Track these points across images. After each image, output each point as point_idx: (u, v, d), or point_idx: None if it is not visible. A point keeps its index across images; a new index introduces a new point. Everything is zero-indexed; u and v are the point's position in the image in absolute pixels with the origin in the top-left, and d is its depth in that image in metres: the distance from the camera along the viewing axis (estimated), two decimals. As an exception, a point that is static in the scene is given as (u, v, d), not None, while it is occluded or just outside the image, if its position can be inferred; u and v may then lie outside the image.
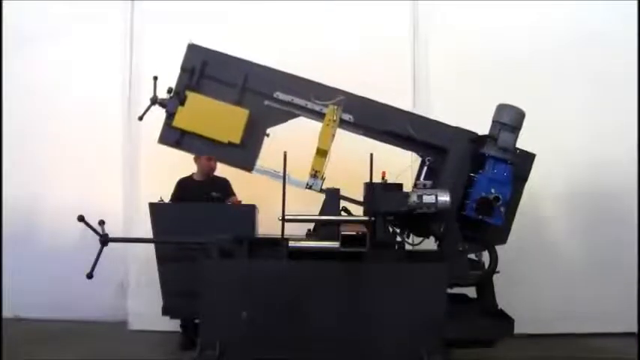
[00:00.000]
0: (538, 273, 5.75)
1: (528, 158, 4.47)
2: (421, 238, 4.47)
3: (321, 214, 4.32)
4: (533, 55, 5.83)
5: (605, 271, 5.79)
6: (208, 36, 5.78)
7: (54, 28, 6.11)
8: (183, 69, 4.37)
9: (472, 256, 4.45)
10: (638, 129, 5.80)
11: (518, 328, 4.29)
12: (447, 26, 5.96)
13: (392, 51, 5.95)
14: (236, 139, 4.29)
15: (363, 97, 4.44)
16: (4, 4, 5.98)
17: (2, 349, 4.80)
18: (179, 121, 4.28)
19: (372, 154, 4.21)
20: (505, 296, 4.51)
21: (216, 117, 4.28)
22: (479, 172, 4.25)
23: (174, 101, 4.28)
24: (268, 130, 4.43)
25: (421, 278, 4.12)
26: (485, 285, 4.44)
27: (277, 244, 4.25)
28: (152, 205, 4.55)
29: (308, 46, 5.78)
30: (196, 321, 4.36)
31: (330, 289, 4.11)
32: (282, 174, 4.24)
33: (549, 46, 5.84)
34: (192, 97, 4.28)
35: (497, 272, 4.44)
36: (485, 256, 4.45)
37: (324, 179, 4.36)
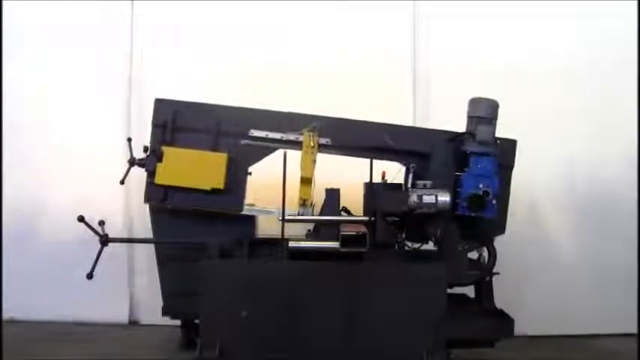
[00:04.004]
0: (538, 273, 5.74)
1: (510, 146, 4.47)
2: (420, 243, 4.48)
3: (321, 214, 4.34)
4: (533, 57, 5.83)
5: (605, 272, 5.77)
6: (209, 37, 5.90)
7: (55, 29, 6.10)
8: (154, 125, 4.37)
9: (473, 255, 4.46)
10: (638, 129, 5.80)
11: (518, 329, 4.29)
12: (447, 33, 5.95)
13: (391, 61, 5.92)
14: (219, 184, 4.29)
15: (335, 118, 4.44)
16: (4, 4, 5.98)
17: (2, 349, 4.79)
18: (160, 178, 4.29)
19: (372, 154, 4.22)
20: (505, 297, 4.51)
21: (196, 166, 4.29)
22: (464, 170, 4.26)
23: (151, 159, 4.30)
24: (250, 169, 4.44)
25: (421, 278, 4.12)
26: (483, 283, 4.44)
27: (277, 244, 4.26)
28: (152, 206, 4.55)
29: (306, 57, 5.80)
30: (196, 321, 4.36)
31: (330, 290, 4.11)
32: (272, 210, 4.32)
33: (549, 48, 5.84)
34: (168, 151, 4.29)
35: (497, 274, 4.45)
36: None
37: (313, 206, 4.36)
